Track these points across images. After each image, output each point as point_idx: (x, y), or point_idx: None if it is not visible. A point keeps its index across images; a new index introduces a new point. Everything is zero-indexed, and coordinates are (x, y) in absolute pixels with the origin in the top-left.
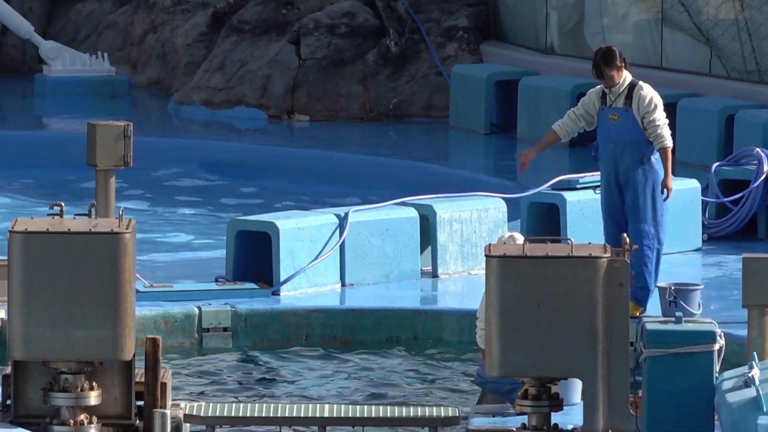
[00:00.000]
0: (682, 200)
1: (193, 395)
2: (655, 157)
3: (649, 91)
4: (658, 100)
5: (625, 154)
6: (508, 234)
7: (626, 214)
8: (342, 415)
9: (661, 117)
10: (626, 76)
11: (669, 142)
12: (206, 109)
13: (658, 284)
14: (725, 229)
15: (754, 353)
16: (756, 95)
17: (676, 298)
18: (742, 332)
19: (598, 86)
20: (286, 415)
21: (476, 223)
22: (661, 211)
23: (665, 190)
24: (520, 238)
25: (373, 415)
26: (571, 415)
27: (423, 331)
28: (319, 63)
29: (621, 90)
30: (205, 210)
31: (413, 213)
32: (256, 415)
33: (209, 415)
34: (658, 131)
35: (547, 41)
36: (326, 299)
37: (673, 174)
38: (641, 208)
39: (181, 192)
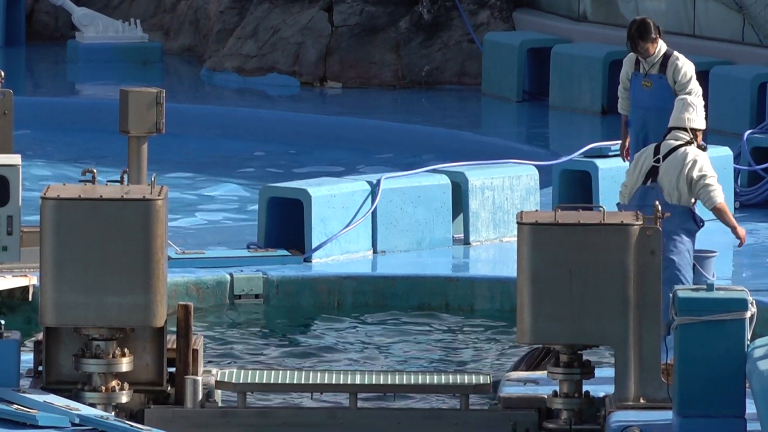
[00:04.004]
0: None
1: (224, 362)
2: None
3: (684, 63)
4: (692, 72)
5: (655, 121)
6: None
7: None
8: (373, 382)
9: (695, 88)
10: (661, 46)
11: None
12: (238, 76)
13: None
14: (757, 196)
15: None
16: None
17: (695, 264)
18: None
19: (631, 54)
20: (317, 382)
21: (508, 190)
22: None
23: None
24: None
25: (404, 382)
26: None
27: (454, 299)
28: (351, 30)
29: (656, 60)
30: (237, 177)
31: (445, 180)
32: (287, 382)
33: (241, 381)
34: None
35: (580, 9)
36: (358, 266)
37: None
38: None
39: (213, 159)
